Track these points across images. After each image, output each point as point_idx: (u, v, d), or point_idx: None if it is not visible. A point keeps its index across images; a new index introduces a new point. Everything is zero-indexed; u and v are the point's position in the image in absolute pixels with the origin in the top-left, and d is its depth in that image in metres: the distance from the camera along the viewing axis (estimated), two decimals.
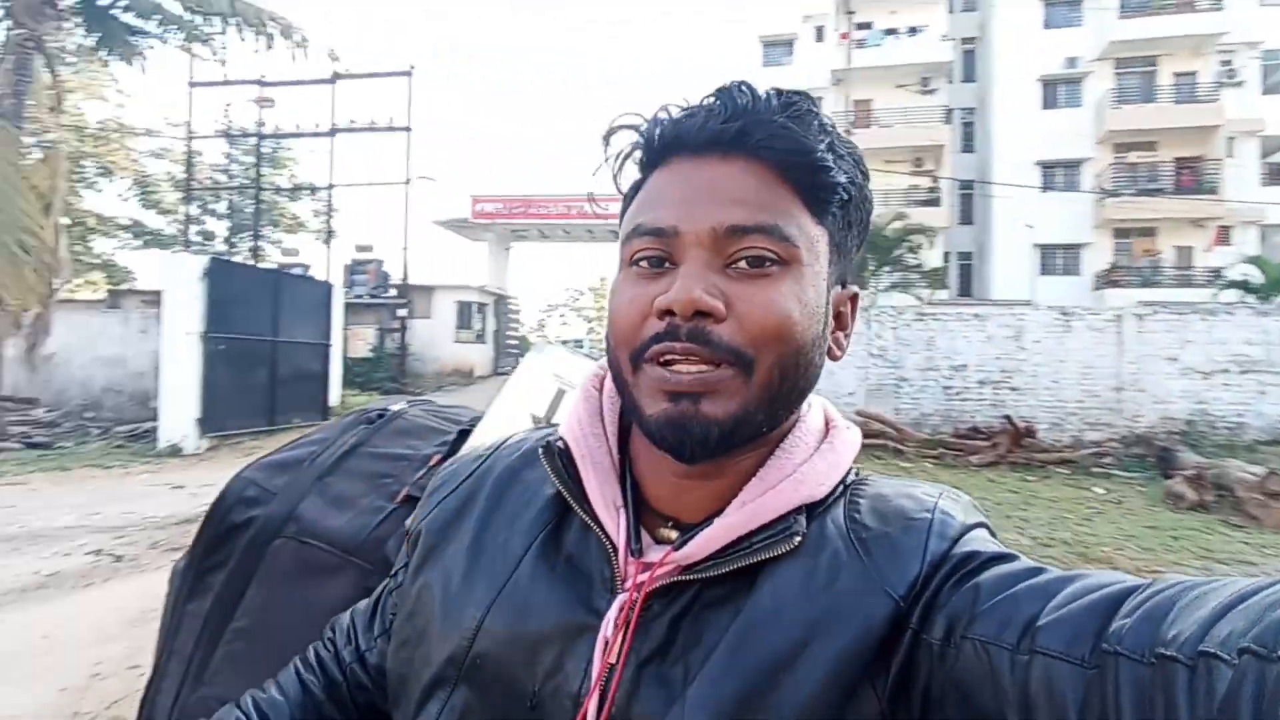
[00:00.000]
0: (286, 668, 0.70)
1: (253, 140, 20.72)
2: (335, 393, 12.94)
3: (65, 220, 12.16)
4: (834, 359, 0.56)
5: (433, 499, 0.65)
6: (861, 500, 0.54)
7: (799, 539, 0.50)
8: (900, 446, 9.90)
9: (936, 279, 19.63)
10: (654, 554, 0.53)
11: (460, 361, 21.41)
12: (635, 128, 0.55)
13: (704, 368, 0.49)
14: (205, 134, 20.90)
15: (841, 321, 0.57)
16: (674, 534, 0.54)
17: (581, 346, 35.24)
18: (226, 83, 19.03)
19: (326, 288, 13.45)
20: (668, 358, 0.49)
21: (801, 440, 0.55)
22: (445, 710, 0.55)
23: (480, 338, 23.31)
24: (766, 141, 0.50)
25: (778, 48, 26.74)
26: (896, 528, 0.51)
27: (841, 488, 0.55)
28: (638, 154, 0.55)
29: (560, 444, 0.58)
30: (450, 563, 0.59)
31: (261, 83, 18.86)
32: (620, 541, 0.53)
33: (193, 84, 18.91)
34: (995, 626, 0.43)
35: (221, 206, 23.78)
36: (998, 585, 0.45)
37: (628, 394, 0.53)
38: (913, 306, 13.28)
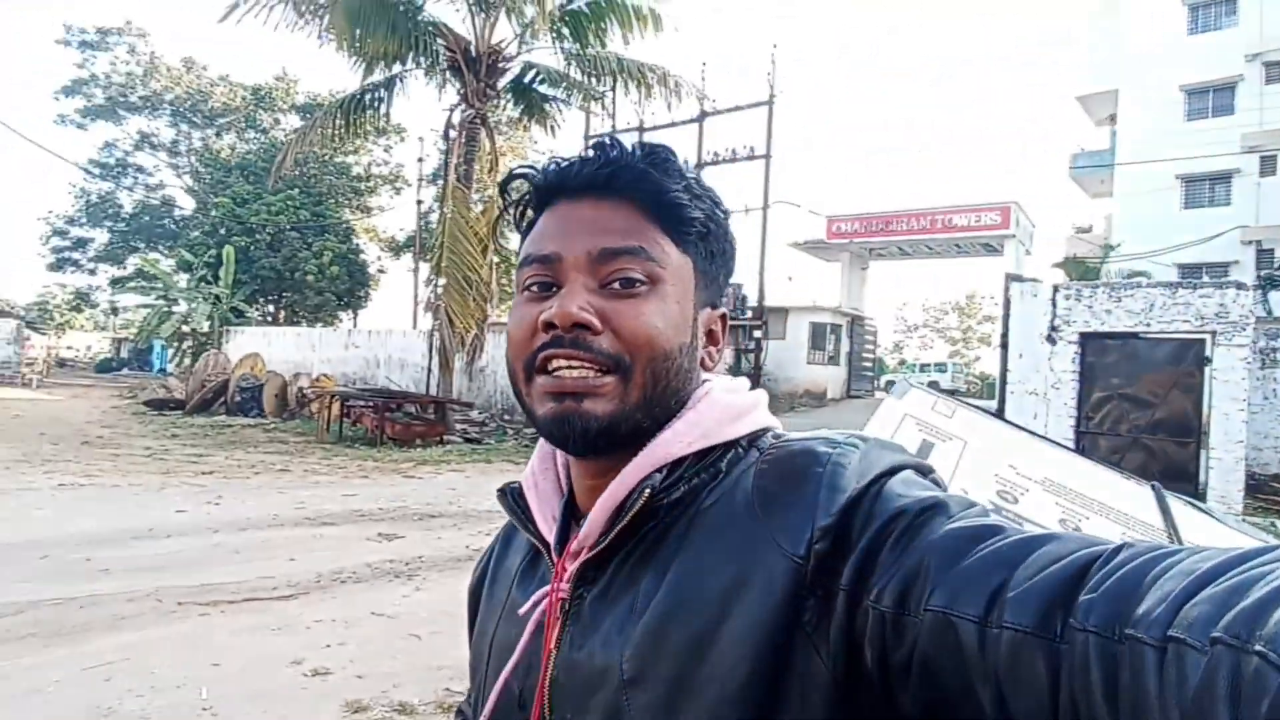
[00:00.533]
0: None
1: None
2: None
3: (496, 259, 15.05)
4: (707, 369, 0.63)
5: (476, 570, 0.77)
6: (767, 464, 0.56)
7: (648, 492, 0.55)
8: None
9: None
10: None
11: (813, 383, 21.30)
12: (527, 176, 0.62)
13: (586, 371, 0.55)
14: None
15: (714, 338, 0.64)
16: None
17: (945, 371, 32.45)
18: (614, 132, 21.80)
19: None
20: (554, 364, 0.56)
21: (677, 419, 0.59)
22: (480, 698, 0.65)
23: (833, 359, 22.91)
24: (633, 183, 0.58)
25: (1211, 8, 21.64)
26: (790, 486, 0.53)
27: (740, 453, 0.58)
28: (530, 198, 0.63)
29: (515, 486, 0.67)
30: (484, 613, 0.70)
31: (640, 129, 21.21)
32: (550, 541, 0.61)
33: (587, 136, 22.09)
34: (958, 597, 0.42)
35: None
36: (952, 549, 0.44)
37: (524, 405, 0.59)
38: None
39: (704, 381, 0.62)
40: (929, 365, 34.48)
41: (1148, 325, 7.15)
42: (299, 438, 12.59)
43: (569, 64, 14.26)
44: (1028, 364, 7.65)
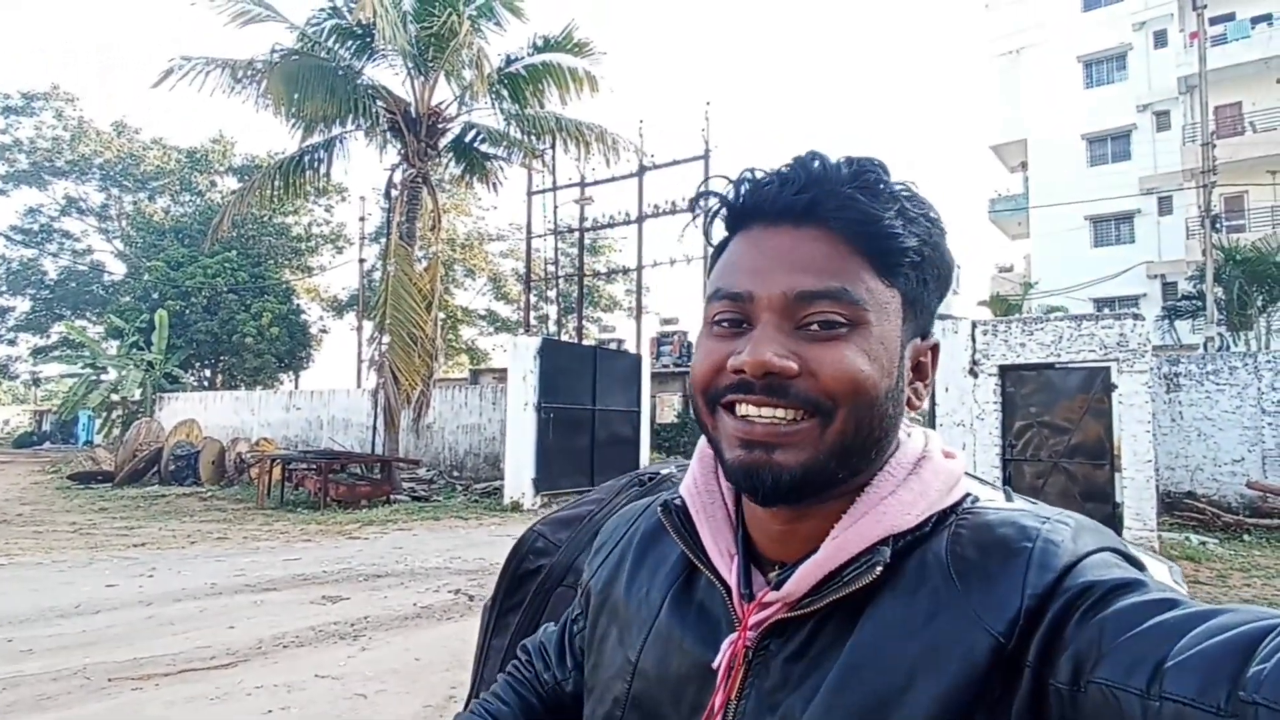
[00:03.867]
0: (499, 682, 0.80)
1: (575, 235, 23.75)
2: (645, 455, 13.88)
3: (441, 315, 15.06)
4: (913, 408, 0.57)
5: (595, 560, 0.73)
6: (965, 530, 0.53)
7: (880, 568, 0.52)
8: None
9: None
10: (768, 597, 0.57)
11: None
12: (720, 194, 0.58)
13: (778, 414, 0.52)
14: (539, 233, 24.52)
15: (921, 372, 0.59)
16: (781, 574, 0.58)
17: None
18: (554, 188, 22.26)
19: (636, 359, 14.66)
20: (742, 408, 0.54)
21: (890, 476, 0.56)
22: (621, 711, 0.63)
23: None
24: (836, 211, 0.53)
25: (1104, 65, 23.58)
26: (995, 559, 0.50)
27: (940, 517, 0.55)
28: (724, 214, 0.59)
29: (678, 502, 0.64)
30: (612, 617, 0.68)
31: (582, 184, 21.71)
32: (733, 584, 0.58)
33: (530, 192, 22.47)
34: (1122, 669, 0.41)
35: (553, 293, 27.49)
36: (1125, 622, 0.43)
37: (712, 441, 0.57)
38: None
39: (910, 432, 0.59)
40: None
41: (1058, 355, 7.65)
42: (238, 504, 12.19)
43: (509, 124, 14.63)
44: (954, 397, 8.05)
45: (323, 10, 13.41)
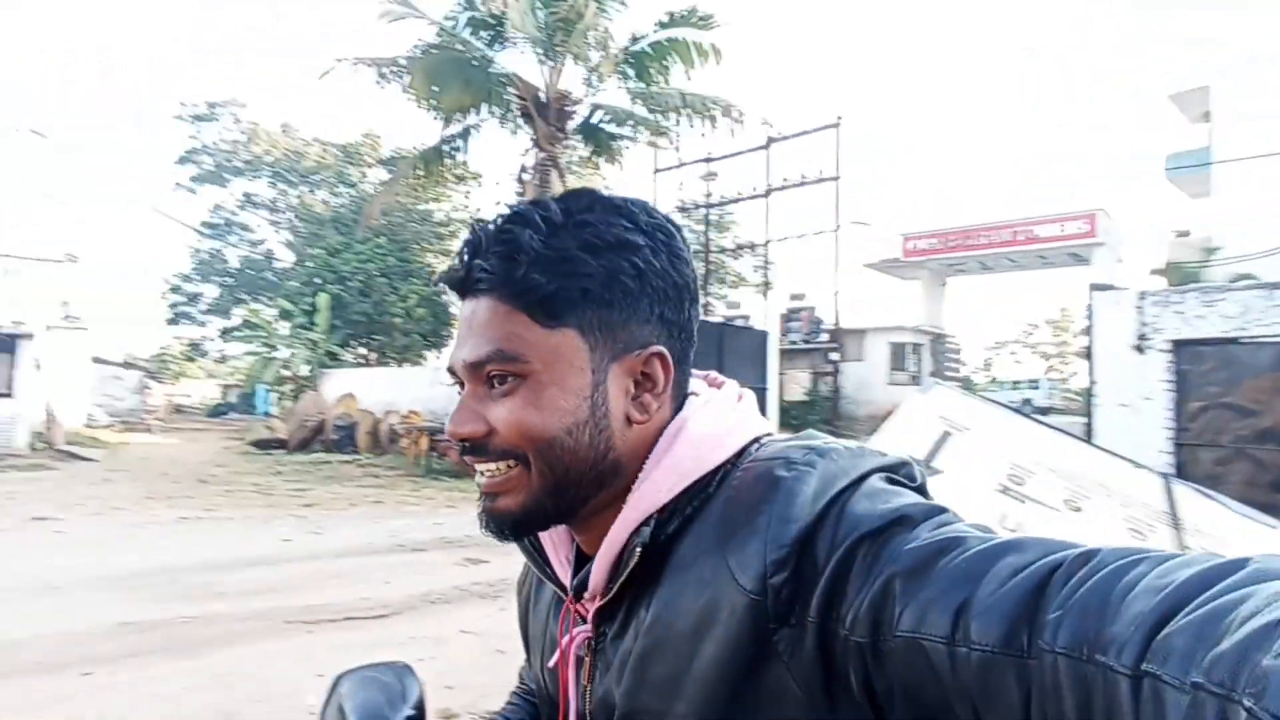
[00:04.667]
0: (514, 692, 0.88)
1: (702, 211, 23.63)
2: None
3: None
4: (639, 423, 0.59)
5: (519, 593, 0.80)
6: (731, 490, 0.55)
7: (639, 549, 0.55)
8: None
9: None
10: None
11: (894, 404, 20.68)
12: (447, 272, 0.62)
13: (490, 467, 0.57)
14: (667, 211, 24.58)
15: (649, 382, 0.59)
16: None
17: (1038, 388, 30.98)
18: (680, 165, 22.23)
19: (763, 336, 14.46)
20: (472, 462, 0.59)
21: (648, 462, 0.59)
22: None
23: (915, 379, 22.30)
24: (485, 283, 0.57)
25: None
26: (747, 517, 0.52)
27: (724, 475, 0.57)
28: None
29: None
30: (529, 638, 0.75)
31: (708, 159, 21.54)
32: (567, 585, 0.63)
33: (655, 170, 22.57)
34: (924, 618, 0.42)
35: None
36: (915, 569, 0.44)
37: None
38: None
39: (680, 409, 0.61)
40: (1020, 382, 32.91)
41: (1245, 329, 6.77)
42: (391, 471, 13.22)
43: (634, 102, 14.72)
44: (1114, 375, 7.35)
45: (459, 3, 14.01)
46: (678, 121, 15.17)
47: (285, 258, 34.41)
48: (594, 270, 0.56)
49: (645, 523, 0.56)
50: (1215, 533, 2.16)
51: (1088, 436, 7.58)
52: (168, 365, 41.87)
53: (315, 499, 9.87)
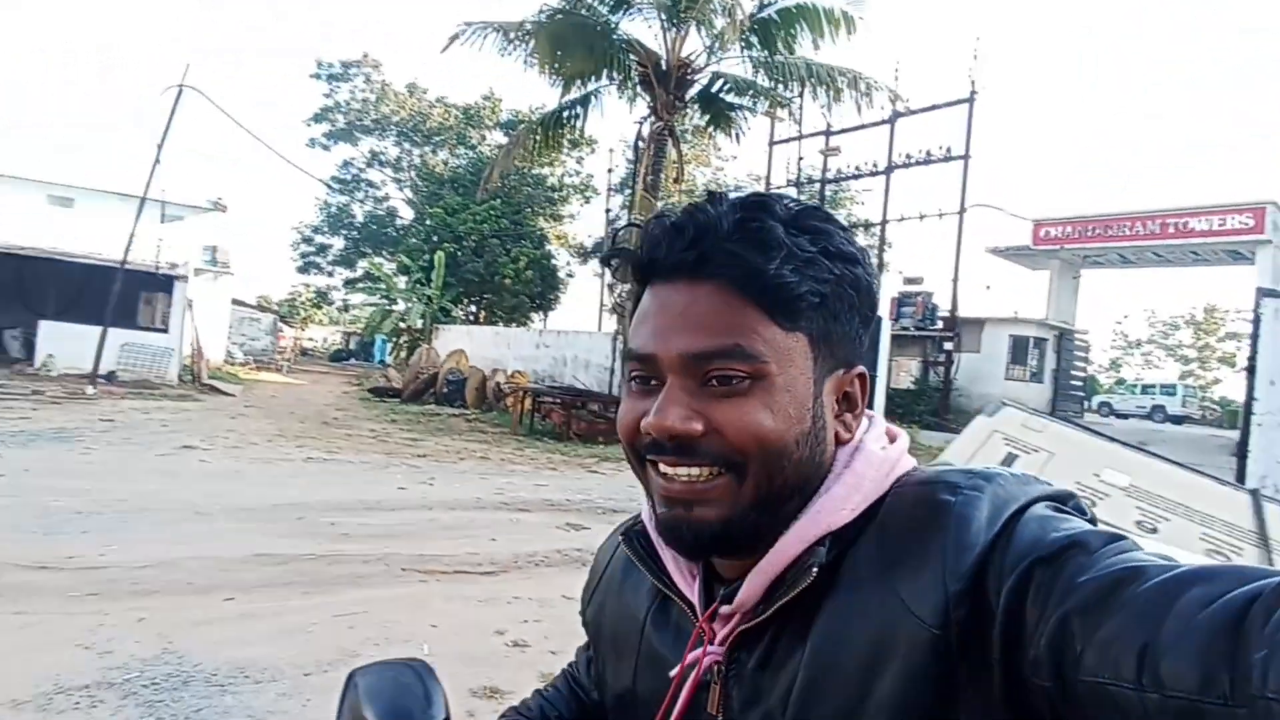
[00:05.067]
0: (562, 673, 0.86)
1: (817, 186, 22.90)
2: None
3: None
4: (843, 443, 0.57)
5: (587, 592, 0.77)
6: (890, 515, 0.53)
7: (815, 569, 0.52)
8: None
9: None
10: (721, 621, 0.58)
11: (1011, 400, 19.68)
12: (624, 253, 0.59)
13: (693, 472, 0.53)
14: (779, 185, 24.00)
15: (850, 403, 0.58)
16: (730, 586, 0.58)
17: (1174, 394, 28.54)
18: (799, 137, 21.55)
19: (876, 320, 13.93)
20: (660, 464, 0.54)
21: (828, 477, 0.56)
22: None
23: (1036, 376, 21.03)
24: (724, 268, 0.52)
25: None
26: (915, 544, 0.50)
27: (877, 503, 0.55)
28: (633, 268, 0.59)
29: (639, 528, 0.65)
30: (609, 646, 0.71)
31: (828, 133, 20.76)
32: (695, 602, 0.60)
33: (771, 142, 21.99)
34: (1104, 659, 0.39)
35: None
36: (1092, 604, 0.41)
37: (646, 490, 0.58)
38: None
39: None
40: (1153, 386, 30.38)
41: None
42: (495, 428, 13.73)
43: (756, 72, 14.34)
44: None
45: None
46: (800, 93, 14.68)
47: (406, 215, 36.02)
48: (832, 278, 0.55)
49: (821, 542, 0.53)
50: None
51: (1240, 453, 6.90)
52: (296, 310, 44.92)
53: (427, 450, 10.38)
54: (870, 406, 0.61)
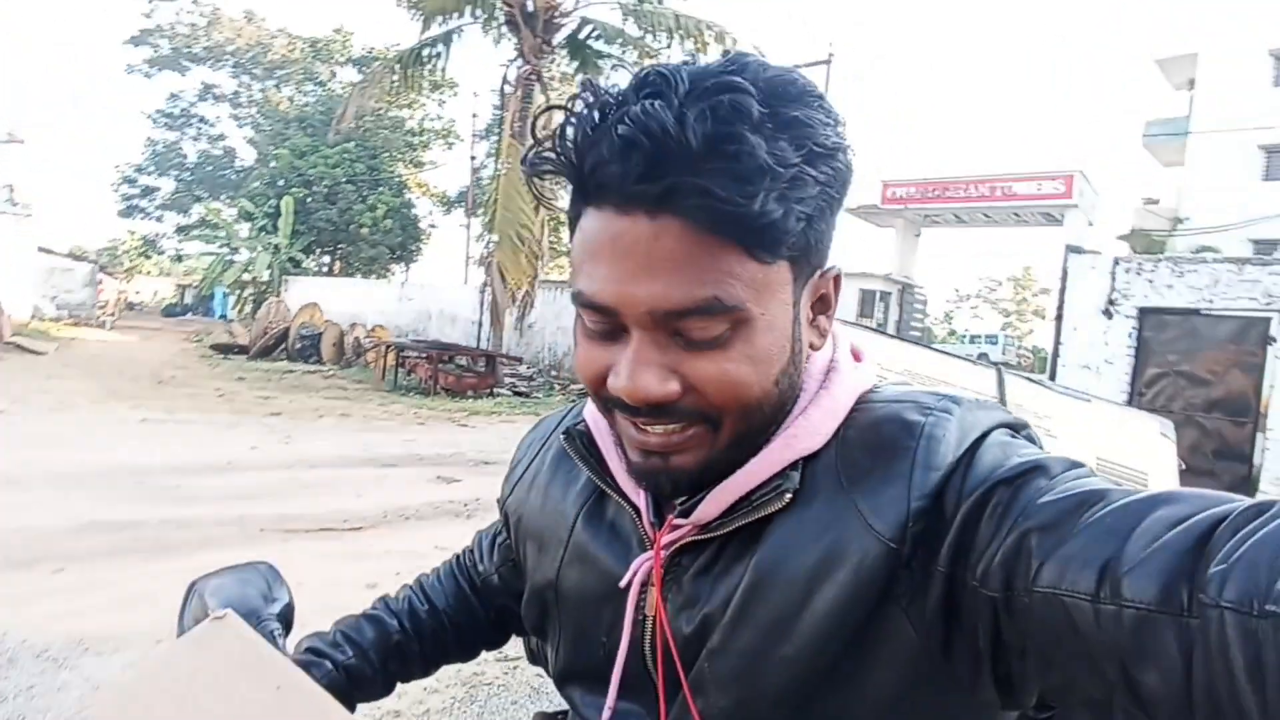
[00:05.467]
0: (445, 562, 0.86)
1: None
2: None
3: (545, 216, 15.24)
4: (816, 349, 0.55)
5: (511, 478, 0.74)
6: (853, 431, 0.53)
7: (789, 495, 0.51)
8: None
9: None
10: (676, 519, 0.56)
11: None
12: (555, 164, 0.49)
13: (670, 426, 0.50)
14: None
15: (824, 303, 0.55)
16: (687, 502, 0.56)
17: (995, 343, 31.77)
18: None
19: None
20: (635, 421, 0.51)
21: (799, 400, 0.54)
22: (558, 639, 0.65)
23: (881, 328, 22.69)
24: (694, 201, 0.44)
25: None
26: (880, 461, 0.50)
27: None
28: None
29: (581, 427, 0.63)
30: (529, 536, 0.69)
31: None
32: (642, 508, 0.58)
33: None
34: (1066, 574, 0.39)
35: None
36: (1054, 521, 0.41)
37: (611, 428, 0.56)
38: None
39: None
40: (979, 336, 33.73)
41: (1210, 302, 7.00)
42: (357, 385, 13.10)
43: (625, 19, 14.16)
44: (1082, 338, 7.57)
45: None
46: (669, 44, 14.68)
47: (247, 156, 32.97)
48: (818, 190, 0.47)
49: (794, 465, 0.52)
50: (1034, 407, 2.86)
51: None
52: (119, 260, 40.29)
53: (281, 407, 9.76)
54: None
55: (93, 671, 2.70)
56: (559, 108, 0.50)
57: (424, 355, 13.17)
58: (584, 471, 0.63)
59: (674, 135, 0.43)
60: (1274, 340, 6.67)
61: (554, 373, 15.49)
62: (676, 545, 0.56)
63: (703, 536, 0.55)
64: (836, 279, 0.54)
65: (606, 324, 0.50)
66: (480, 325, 15.05)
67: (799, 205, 0.46)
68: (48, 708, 2.45)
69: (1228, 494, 0.39)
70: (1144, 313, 7.33)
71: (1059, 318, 7.89)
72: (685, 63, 0.47)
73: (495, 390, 12.90)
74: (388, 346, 13.60)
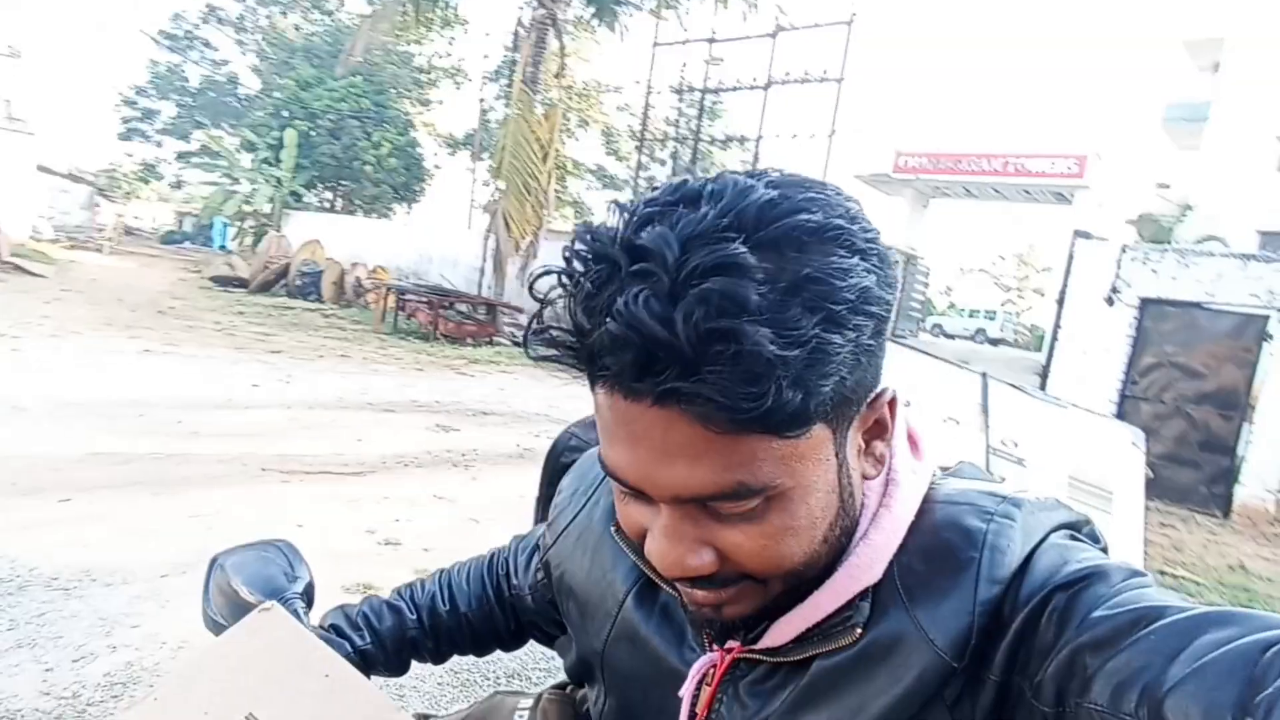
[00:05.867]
0: (477, 561, 0.86)
1: (694, 94, 22.70)
2: None
3: (554, 165, 15.04)
4: (871, 478, 0.51)
5: (554, 528, 0.72)
6: (912, 539, 0.51)
7: (859, 629, 0.49)
8: None
9: None
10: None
11: None
12: (554, 340, 0.44)
13: (712, 592, 0.49)
14: (659, 89, 23.56)
15: (880, 429, 0.50)
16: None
17: (994, 318, 31.78)
18: (684, 42, 21.11)
19: None
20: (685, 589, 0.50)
21: (861, 523, 0.52)
22: (602, 702, 0.66)
23: None
24: (700, 403, 0.39)
25: None
26: (942, 573, 0.48)
27: None
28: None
29: None
30: (574, 596, 0.68)
31: (711, 40, 20.47)
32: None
33: (655, 44, 21.40)
34: (1109, 692, 0.39)
35: (666, 154, 26.78)
36: (1107, 639, 0.41)
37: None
38: None
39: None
40: (978, 311, 33.71)
41: (1213, 295, 7.03)
42: (356, 325, 13.12)
43: None
44: (1082, 323, 7.61)
45: None
46: None
47: (251, 84, 32.26)
48: (843, 354, 0.41)
49: (863, 595, 0.50)
50: (1015, 416, 3.02)
51: (1043, 375, 7.93)
52: (118, 184, 39.76)
53: (281, 345, 9.79)
54: None
55: (100, 603, 2.79)
56: (555, 271, 0.46)
57: (425, 300, 13.16)
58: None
59: (663, 339, 0.38)
60: (1270, 337, 6.73)
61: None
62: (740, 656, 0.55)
63: (765, 656, 0.54)
64: (892, 403, 0.50)
65: (634, 492, 0.47)
66: (482, 272, 14.99)
67: (824, 380, 0.41)
68: (59, 634, 2.55)
69: (1272, 615, 0.39)
70: (1145, 303, 7.36)
71: (1060, 301, 7.91)
72: (678, 203, 0.43)
73: (495, 339, 12.93)
74: (389, 289, 13.57)
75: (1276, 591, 5.23)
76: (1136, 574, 0.46)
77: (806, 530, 0.47)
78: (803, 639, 0.52)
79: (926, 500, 0.53)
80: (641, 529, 0.49)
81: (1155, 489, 6.39)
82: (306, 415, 6.18)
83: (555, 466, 1.18)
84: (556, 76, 14.49)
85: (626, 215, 0.44)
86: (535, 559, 0.79)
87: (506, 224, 12.83)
